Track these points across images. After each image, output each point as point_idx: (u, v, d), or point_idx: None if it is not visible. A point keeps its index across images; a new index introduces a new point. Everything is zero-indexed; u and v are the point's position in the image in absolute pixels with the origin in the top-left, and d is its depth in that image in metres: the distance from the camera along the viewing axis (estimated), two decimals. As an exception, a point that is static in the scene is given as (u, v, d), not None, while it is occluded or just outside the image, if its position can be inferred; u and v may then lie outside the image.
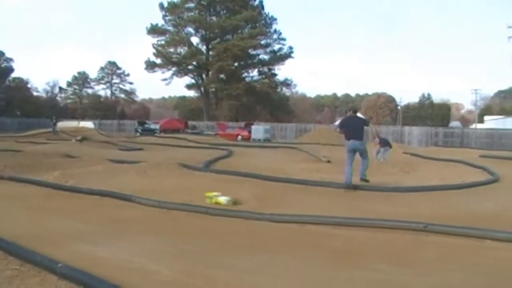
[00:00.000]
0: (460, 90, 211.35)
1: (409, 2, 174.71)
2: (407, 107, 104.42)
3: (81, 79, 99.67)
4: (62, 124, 48.33)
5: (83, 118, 66.08)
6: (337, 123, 11.65)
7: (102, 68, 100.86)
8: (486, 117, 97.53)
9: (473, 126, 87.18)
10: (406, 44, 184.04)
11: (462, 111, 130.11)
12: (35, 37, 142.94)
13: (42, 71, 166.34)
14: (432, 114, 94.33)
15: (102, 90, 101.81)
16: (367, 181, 12.36)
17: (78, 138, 31.15)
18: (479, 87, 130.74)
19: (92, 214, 8.64)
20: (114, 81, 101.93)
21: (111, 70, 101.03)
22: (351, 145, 12.22)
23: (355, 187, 11.80)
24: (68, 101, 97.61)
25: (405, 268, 5.69)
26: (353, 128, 12.41)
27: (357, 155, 12.44)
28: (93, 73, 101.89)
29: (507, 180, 13.58)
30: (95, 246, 6.22)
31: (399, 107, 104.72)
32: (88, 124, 53.77)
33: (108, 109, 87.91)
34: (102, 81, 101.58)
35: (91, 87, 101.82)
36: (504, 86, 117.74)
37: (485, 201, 10.63)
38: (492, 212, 9.35)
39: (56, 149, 22.36)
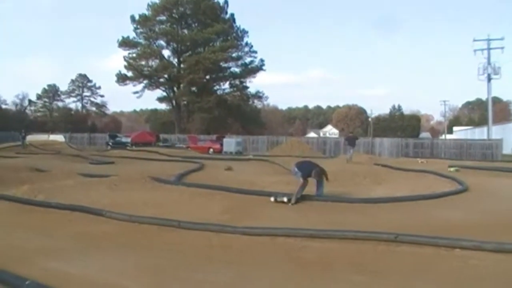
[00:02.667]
0: (430, 102, 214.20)
1: (379, 17, 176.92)
2: (378, 119, 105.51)
3: (51, 92, 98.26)
4: (32, 138, 47.66)
5: (53, 131, 65.05)
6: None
7: (72, 81, 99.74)
8: (455, 128, 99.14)
9: (443, 136, 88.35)
10: (377, 57, 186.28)
11: (432, 122, 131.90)
12: (3, 49, 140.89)
13: (11, 83, 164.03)
14: (402, 125, 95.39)
15: (72, 103, 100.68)
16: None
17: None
18: (448, 99, 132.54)
19: (62, 229, 8.54)
20: (85, 94, 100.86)
21: (82, 82, 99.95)
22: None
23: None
24: (38, 114, 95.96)
25: (377, 279, 5.75)
26: (303, 169, 12.13)
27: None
28: (63, 86, 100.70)
29: (475, 189, 13.76)
30: (64, 262, 6.15)
31: (370, 119, 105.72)
32: (59, 138, 53.03)
33: (79, 122, 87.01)
34: (73, 94, 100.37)
35: (62, 100, 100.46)
36: (471, 98, 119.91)
37: (454, 211, 10.76)
38: (461, 221, 9.47)
39: (25, 163, 22.03)
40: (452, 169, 20.70)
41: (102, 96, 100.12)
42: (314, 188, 12.19)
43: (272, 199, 11.52)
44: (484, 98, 63.95)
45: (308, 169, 12.11)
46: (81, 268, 5.90)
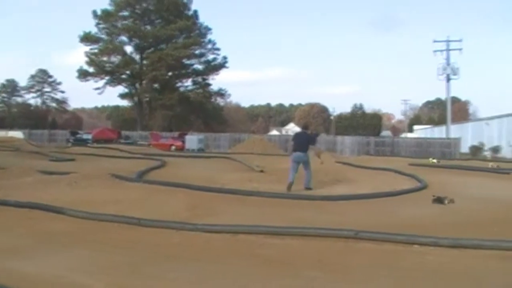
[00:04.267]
0: (391, 101, 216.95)
1: (340, 15, 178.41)
2: (340, 117, 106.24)
3: (10, 87, 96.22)
4: (-11, 134, 46.71)
5: (11, 127, 63.94)
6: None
7: (32, 76, 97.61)
8: (415, 127, 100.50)
9: (403, 135, 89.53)
10: (340, 55, 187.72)
11: (393, 121, 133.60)
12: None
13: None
14: (364, 124, 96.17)
15: (32, 99, 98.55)
16: (311, 189, 13.76)
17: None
18: (409, 98, 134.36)
19: (20, 227, 8.40)
20: (45, 89, 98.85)
21: (42, 78, 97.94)
22: (295, 157, 14.13)
23: (309, 188, 13.75)
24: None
25: (337, 275, 5.83)
26: (298, 142, 14.43)
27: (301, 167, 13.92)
28: (22, 81, 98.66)
29: (435, 187, 14.04)
30: (23, 262, 6.07)
31: (332, 117, 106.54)
32: (17, 134, 52.09)
33: (39, 118, 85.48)
34: (33, 90, 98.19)
35: (21, 96, 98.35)
36: (431, 97, 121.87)
37: (414, 208, 10.98)
38: (420, 218, 9.70)
39: (-18, 160, 21.60)
40: (433, 160, 21.33)
41: (63, 92, 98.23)
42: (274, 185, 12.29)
43: None
44: (443, 97, 64.98)
45: None
46: (40, 267, 5.83)
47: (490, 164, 24.70)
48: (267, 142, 46.24)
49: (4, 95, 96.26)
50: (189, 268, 6.03)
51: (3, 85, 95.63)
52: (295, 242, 7.32)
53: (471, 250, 6.78)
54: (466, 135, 55.04)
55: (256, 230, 7.83)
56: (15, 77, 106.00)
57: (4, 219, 9.05)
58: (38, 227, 8.42)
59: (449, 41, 53.30)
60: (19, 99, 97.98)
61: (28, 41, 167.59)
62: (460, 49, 52.96)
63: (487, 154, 43.42)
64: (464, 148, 47.87)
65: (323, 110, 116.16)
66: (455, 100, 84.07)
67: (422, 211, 10.66)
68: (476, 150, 45.50)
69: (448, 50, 53.24)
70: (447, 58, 53.06)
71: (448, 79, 52.76)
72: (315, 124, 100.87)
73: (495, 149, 44.94)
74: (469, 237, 7.17)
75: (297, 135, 15.58)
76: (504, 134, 48.38)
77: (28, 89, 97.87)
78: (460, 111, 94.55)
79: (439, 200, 11.65)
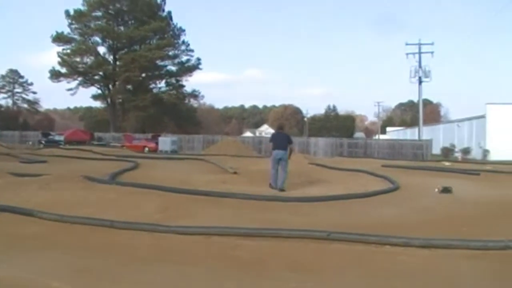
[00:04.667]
0: (364, 103, 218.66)
1: (313, 16, 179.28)
2: (313, 119, 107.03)
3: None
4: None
5: (-19, 128, 63.10)
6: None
7: (3, 76, 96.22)
8: (388, 128, 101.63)
9: (376, 137, 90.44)
10: (313, 57, 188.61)
11: (366, 123, 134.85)
12: None
13: None
14: (337, 125, 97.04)
15: (2, 100, 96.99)
16: (284, 190, 14.15)
17: None
18: (382, 100, 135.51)
19: (-11, 230, 8.29)
20: (16, 90, 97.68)
21: (13, 78, 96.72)
22: (275, 155, 14.84)
23: (282, 190, 14.14)
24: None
25: (310, 276, 5.87)
26: (278, 141, 15.17)
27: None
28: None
29: (407, 188, 14.22)
30: (-7, 265, 5.99)
31: (305, 119, 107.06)
32: (-13, 135, 51.46)
33: (9, 119, 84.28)
34: (3, 90, 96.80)
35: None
36: (404, 99, 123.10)
37: (386, 209, 11.09)
38: (392, 219, 9.80)
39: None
40: (447, 163, 21.82)
41: (34, 92, 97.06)
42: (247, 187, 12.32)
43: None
44: (415, 100, 65.81)
45: None
46: (9, 271, 5.75)
47: (447, 164, 25.78)
48: (240, 143, 46.32)
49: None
50: (162, 271, 6.01)
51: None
52: (268, 243, 7.33)
53: (442, 250, 6.88)
54: (437, 137, 55.96)
55: (229, 231, 7.83)
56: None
57: (-26, 222, 8.93)
58: (8, 230, 8.30)
59: (421, 44, 54.00)
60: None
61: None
62: (431, 52, 53.66)
63: (458, 155, 44.09)
64: (436, 149, 48.54)
65: (296, 111, 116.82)
66: (427, 102, 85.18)
67: (394, 212, 10.78)
68: (447, 151, 46.23)
69: (420, 53, 53.91)
70: (419, 61, 53.76)
71: (420, 82, 53.37)
72: (289, 125, 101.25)
73: (466, 151, 45.72)
74: (439, 237, 7.30)
75: (275, 135, 16.10)
76: (474, 136, 49.26)
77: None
78: (432, 113, 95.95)
79: (445, 190, 13.58)
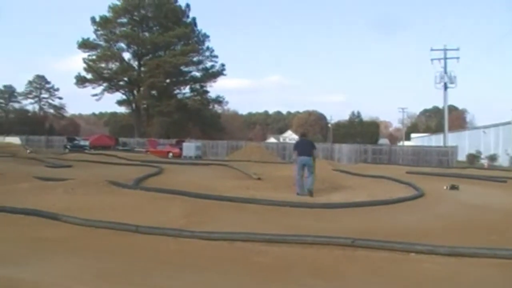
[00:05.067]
0: (388, 109, 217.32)
1: (339, 22, 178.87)
2: (338, 125, 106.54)
3: (7, 93, 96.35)
4: (-14, 140, 46.59)
5: (9, 133, 63.79)
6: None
7: (30, 82, 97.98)
8: (412, 135, 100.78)
9: (401, 143, 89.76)
10: (337, 63, 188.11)
11: (390, 129, 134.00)
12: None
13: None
14: (361, 131, 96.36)
15: (30, 105, 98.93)
16: (312, 192, 14.61)
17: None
18: (406, 106, 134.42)
19: (15, 234, 8.34)
20: (42, 95, 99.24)
21: (40, 84, 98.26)
22: (300, 160, 15.10)
23: (310, 192, 14.60)
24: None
25: (334, 282, 5.82)
26: (303, 148, 15.50)
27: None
28: (20, 87, 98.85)
29: (431, 195, 14.06)
30: (17, 268, 6.02)
31: (329, 125, 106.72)
32: (15, 140, 52.00)
33: (36, 124, 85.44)
34: (30, 96, 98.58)
35: (18, 102, 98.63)
36: (429, 105, 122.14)
37: (411, 216, 10.97)
38: (417, 226, 9.68)
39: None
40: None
41: (60, 98, 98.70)
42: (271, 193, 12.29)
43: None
44: (441, 106, 65.23)
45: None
46: (35, 274, 5.77)
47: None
48: (264, 149, 46.24)
49: (1, 101, 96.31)
50: (186, 276, 6.00)
51: (1, 91, 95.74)
52: (292, 249, 7.29)
53: (468, 258, 6.76)
54: (463, 144, 55.31)
55: (253, 237, 7.80)
56: (13, 83, 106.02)
57: (0, 226, 9.02)
58: (34, 233, 8.37)
59: (447, 49, 53.56)
60: (16, 105, 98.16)
61: (26, 46, 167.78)
62: (457, 58, 53.22)
63: (484, 162, 43.53)
64: (461, 156, 47.99)
65: (320, 117, 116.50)
66: (452, 109, 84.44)
67: (419, 219, 10.66)
68: (473, 158, 45.65)
69: (445, 58, 53.47)
70: (445, 67, 53.27)
71: (446, 88, 52.89)
72: (313, 132, 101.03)
73: (492, 157, 45.11)
74: (466, 245, 7.17)
75: (299, 142, 16.59)
76: (500, 142, 48.60)
77: (26, 95, 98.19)
78: (457, 119, 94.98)
79: (453, 187, 15.66)
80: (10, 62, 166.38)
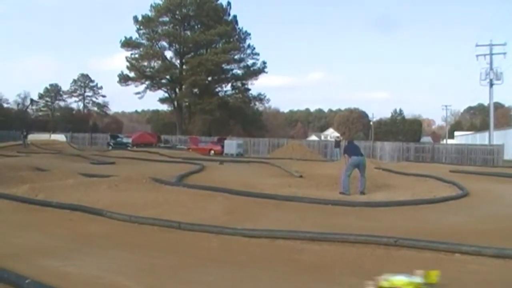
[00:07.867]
0: (431, 106, 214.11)
1: (381, 20, 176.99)
2: (379, 123, 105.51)
3: (53, 92, 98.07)
4: (33, 137, 47.52)
5: (54, 131, 65.05)
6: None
7: (74, 81, 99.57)
8: (456, 133, 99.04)
9: (444, 141, 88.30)
10: (379, 61, 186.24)
11: (433, 127, 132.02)
12: (6, 47, 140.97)
13: (13, 82, 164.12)
14: (403, 129, 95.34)
15: (74, 103, 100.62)
16: (365, 194, 14.51)
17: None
18: (450, 103, 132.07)
19: (61, 228, 8.53)
20: (86, 93, 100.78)
21: (84, 82, 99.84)
22: (354, 160, 15.12)
23: (362, 193, 14.53)
24: (40, 113, 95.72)
25: (376, 282, 5.73)
26: (354, 149, 15.62)
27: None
28: (65, 86, 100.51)
29: (476, 194, 13.79)
30: (64, 262, 6.14)
31: (371, 123, 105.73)
32: (60, 137, 52.97)
33: (80, 122, 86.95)
34: (75, 94, 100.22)
35: (63, 100, 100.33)
36: (473, 103, 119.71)
37: (455, 216, 10.76)
38: (461, 226, 9.47)
39: (26, 162, 22.03)
40: None
41: (104, 96, 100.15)
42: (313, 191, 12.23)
43: None
44: (486, 103, 64.00)
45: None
46: (80, 268, 5.89)
47: None
48: (306, 147, 46.11)
49: (47, 99, 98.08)
50: (227, 272, 6.02)
51: (47, 90, 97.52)
52: (334, 248, 7.23)
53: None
54: (509, 142, 53.88)
55: (294, 235, 7.78)
56: (58, 81, 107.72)
57: (46, 220, 9.22)
58: (79, 228, 8.54)
59: (493, 45, 52.12)
60: (61, 103, 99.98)
61: (71, 46, 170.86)
62: (504, 53, 51.74)
63: (531, 161, 42.49)
64: (508, 155, 46.89)
65: (362, 115, 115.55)
66: (498, 106, 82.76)
67: (463, 219, 10.43)
68: (520, 157, 44.59)
69: (491, 54, 52.05)
70: (490, 63, 51.88)
71: (491, 84, 51.55)
72: (354, 129, 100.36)
73: (540, 156, 43.98)
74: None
75: (349, 146, 16.47)
76: (549, 141, 47.31)
77: (71, 93, 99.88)
78: (503, 117, 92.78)
79: None
80: (56, 61, 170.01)
